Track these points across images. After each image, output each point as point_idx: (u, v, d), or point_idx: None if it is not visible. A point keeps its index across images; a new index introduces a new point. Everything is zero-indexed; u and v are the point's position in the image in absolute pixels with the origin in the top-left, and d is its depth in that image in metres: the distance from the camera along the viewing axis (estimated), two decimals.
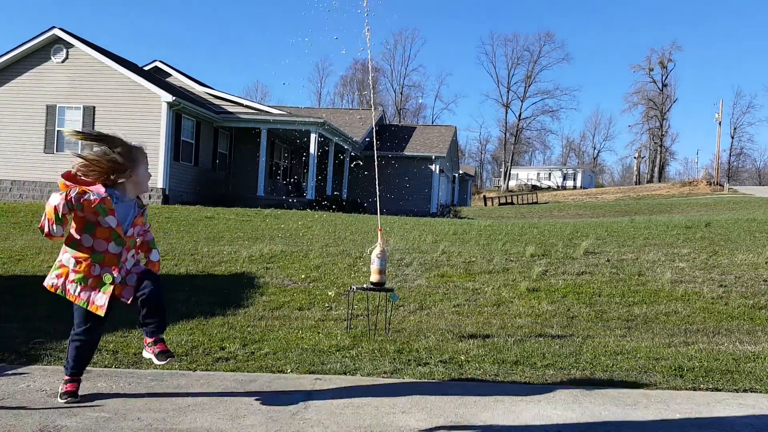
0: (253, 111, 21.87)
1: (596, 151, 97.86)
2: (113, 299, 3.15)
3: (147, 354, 3.22)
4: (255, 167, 21.29)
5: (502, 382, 3.80)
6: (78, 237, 3.09)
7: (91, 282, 3.10)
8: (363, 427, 2.93)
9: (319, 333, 5.02)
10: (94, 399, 3.24)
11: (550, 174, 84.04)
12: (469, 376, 3.91)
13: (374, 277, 4.98)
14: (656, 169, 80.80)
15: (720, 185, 53.88)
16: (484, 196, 54.98)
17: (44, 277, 3.17)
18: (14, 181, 18.44)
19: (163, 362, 3.19)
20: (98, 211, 3.01)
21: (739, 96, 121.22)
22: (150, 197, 17.63)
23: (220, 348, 4.48)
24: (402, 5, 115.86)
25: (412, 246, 9.72)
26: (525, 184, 78.98)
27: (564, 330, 5.40)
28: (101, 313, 3.09)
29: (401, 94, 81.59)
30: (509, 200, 52.08)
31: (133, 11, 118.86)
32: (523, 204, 48.08)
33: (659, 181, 74.22)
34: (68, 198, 2.93)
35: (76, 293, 3.10)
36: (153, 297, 3.14)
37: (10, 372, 3.73)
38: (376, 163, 5.71)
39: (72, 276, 3.10)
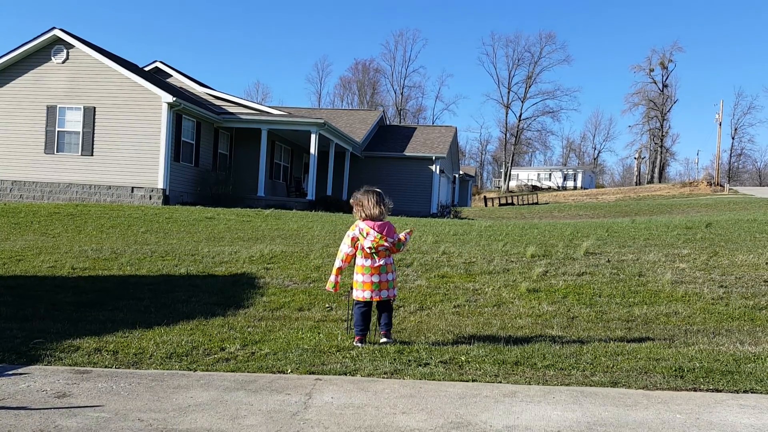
0: (254, 111, 21.87)
1: (596, 152, 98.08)
2: None
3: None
4: (255, 168, 21.29)
5: (502, 383, 3.80)
6: None
7: None
8: (363, 428, 2.93)
9: (319, 333, 5.02)
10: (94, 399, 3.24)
11: (550, 174, 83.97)
12: (469, 376, 3.90)
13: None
14: (656, 170, 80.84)
15: (720, 186, 53.91)
16: (485, 197, 54.97)
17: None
18: (15, 181, 18.43)
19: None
20: None
21: (740, 97, 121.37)
22: (150, 198, 17.64)
23: (221, 348, 4.48)
24: (403, 6, 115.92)
25: (412, 246, 9.72)
26: (525, 185, 78.93)
27: (564, 330, 5.40)
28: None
29: (402, 94, 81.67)
30: (509, 201, 52.10)
31: (133, 11, 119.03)
32: (523, 204, 48.10)
33: (660, 182, 74.27)
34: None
35: None
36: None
37: (10, 372, 3.73)
38: None
39: None
